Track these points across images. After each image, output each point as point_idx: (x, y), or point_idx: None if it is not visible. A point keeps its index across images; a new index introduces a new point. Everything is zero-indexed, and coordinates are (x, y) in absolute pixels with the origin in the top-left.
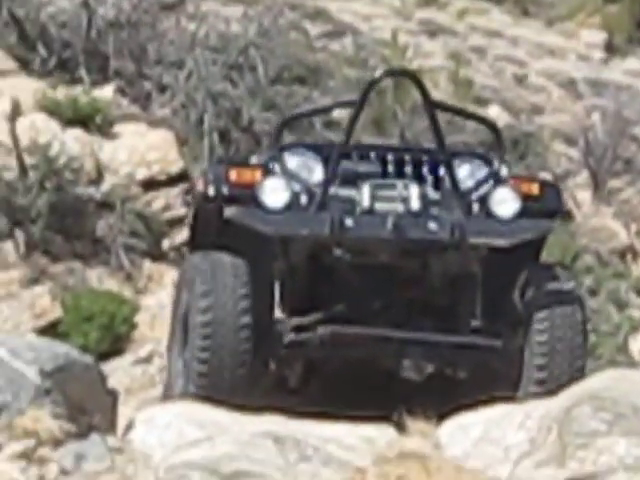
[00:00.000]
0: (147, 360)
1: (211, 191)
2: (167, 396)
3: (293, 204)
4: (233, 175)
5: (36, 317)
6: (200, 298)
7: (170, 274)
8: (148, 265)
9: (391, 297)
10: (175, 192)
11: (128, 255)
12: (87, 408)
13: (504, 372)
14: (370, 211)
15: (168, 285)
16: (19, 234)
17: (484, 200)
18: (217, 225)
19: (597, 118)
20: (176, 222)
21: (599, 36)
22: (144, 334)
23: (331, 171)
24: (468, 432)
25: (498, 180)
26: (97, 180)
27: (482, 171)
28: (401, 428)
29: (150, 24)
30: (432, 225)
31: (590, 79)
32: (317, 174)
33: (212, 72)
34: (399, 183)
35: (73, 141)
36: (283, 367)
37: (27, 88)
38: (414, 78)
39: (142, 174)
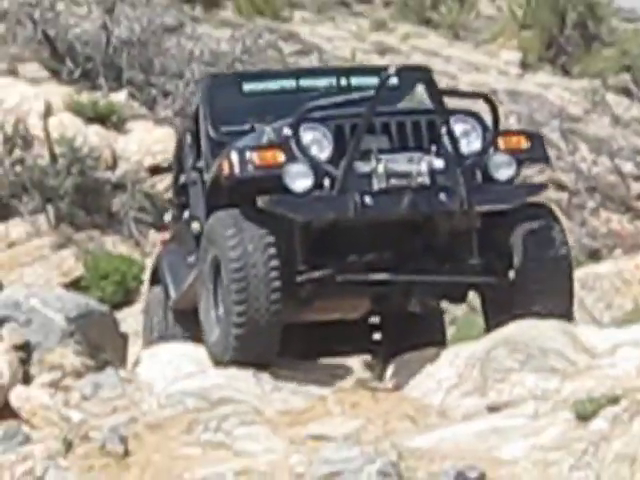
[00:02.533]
0: None
1: (237, 172)
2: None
3: (316, 186)
4: (256, 158)
5: (63, 275)
6: (230, 249)
7: None
8: (153, 234)
9: (400, 247)
10: None
11: (137, 226)
12: (103, 347)
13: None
14: (386, 189)
15: None
16: (50, 209)
17: (483, 164)
18: (241, 198)
19: (514, 121)
20: None
21: (516, 55)
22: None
23: (350, 157)
24: (409, 367)
25: (492, 140)
26: (112, 166)
27: (476, 130)
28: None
29: (156, 43)
30: (442, 197)
31: (508, 90)
32: (327, 150)
33: None
34: (408, 158)
35: (94, 135)
36: (301, 305)
37: (57, 93)
38: (425, 71)
39: (149, 162)
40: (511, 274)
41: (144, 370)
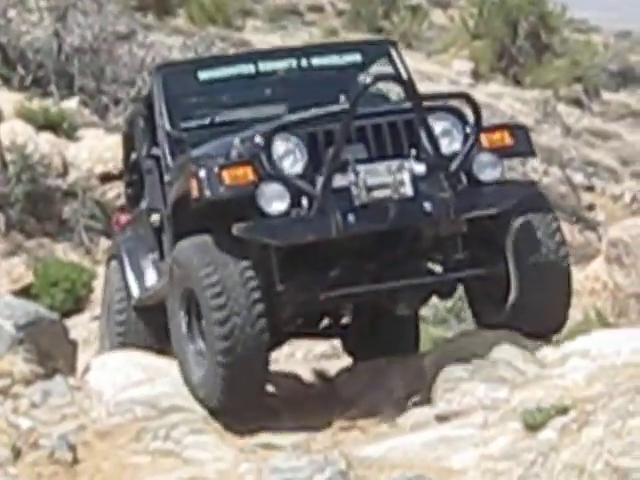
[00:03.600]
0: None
1: (207, 194)
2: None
3: (293, 204)
4: (226, 176)
5: (13, 282)
6: (209, 287)
7: None
8: (103, 241)
9: (383, 255)
10: None
11: (87, 234)
12: (53, 355)
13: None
14: (368, 204)
15: None
16: (0, 216)
17: (467, 166)
18: (211, 219)
19: None
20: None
21: (467, 65)
22: (99, 296)
23: (328, 174)
24: (359, 378)
25: (475, 138)
26: (63, 174)
27: (457, 128)
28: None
29: (108, 50)
30: (427, 206)
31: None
32: (301, 163)
33: None
34: (388, 167)
35: (44, 142)
36: (284, 325)
37: (8, 100)
38: (400, 81)
39: (100, 169)
40: (501, 267)
41: (93, 378)
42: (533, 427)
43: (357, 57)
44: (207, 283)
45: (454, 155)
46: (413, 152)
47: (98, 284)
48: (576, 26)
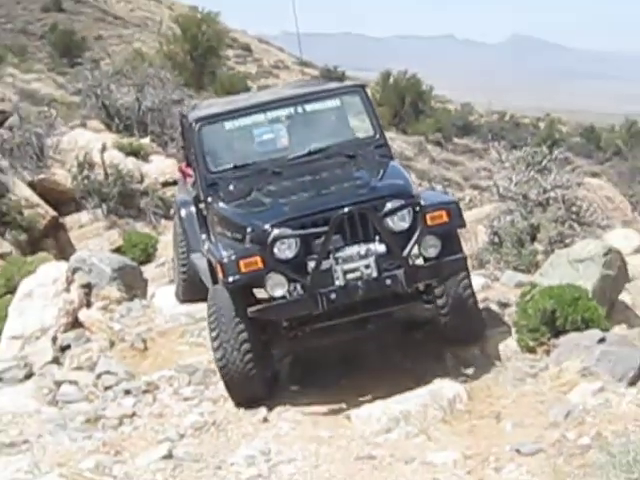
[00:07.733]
0: (162, 265)
1: (230, 279)
2: None
3: (291, 289)
4: (242, 266)
5: (111, 244)
6: (212, 341)
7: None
8: (164, 221)
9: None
10: None
11: (154, 217)
12: (133, 286)
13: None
14: (345, 285)
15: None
16: (104, 206)
17: (417, 244)
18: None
19: None
20: None
21: None
22: (161, 253)
23: (316, 270)
24: None
25: (422, 221)
26: (141, 181)
27: (408, 208)
28: None
29: (167, 109)
30: (388, 282)
31: None
32: (294, 251)
33: None
34: (358, 253)
35: (130, 163)
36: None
37: (109, 138)
38: (373, 211)
39: (162, 179)
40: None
41: (157, 300)
42: None
43: (337, 102)
44: (212, 344)
45: (404, 231)
46: (377, 237)
47: (160, 246)
48: (438, 99)
